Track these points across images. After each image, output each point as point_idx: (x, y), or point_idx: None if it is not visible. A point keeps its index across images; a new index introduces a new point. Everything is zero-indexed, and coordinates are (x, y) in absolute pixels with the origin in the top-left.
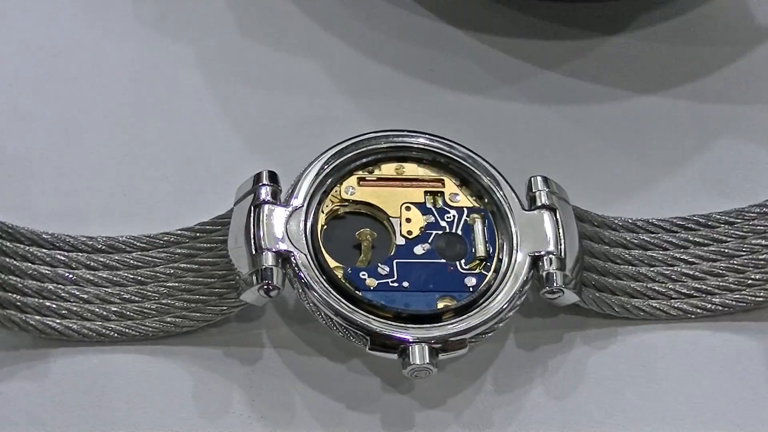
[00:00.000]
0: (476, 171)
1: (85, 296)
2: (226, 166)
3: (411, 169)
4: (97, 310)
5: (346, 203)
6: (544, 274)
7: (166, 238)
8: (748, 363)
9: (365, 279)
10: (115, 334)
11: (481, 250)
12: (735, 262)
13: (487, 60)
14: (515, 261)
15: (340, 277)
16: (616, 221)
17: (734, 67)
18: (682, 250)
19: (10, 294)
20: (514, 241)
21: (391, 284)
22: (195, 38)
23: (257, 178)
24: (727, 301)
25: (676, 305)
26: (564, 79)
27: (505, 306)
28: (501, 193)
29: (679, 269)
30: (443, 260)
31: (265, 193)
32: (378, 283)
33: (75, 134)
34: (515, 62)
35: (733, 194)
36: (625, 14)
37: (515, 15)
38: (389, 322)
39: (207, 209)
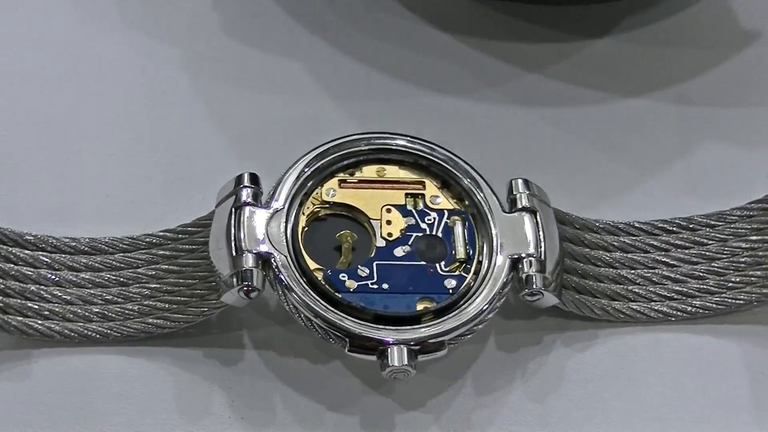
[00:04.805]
0: (457, 173)
1: (68, 297)
2: (209, 168)
3: (392, 172)
4: (79, 311)
5: (327, 205)
6: (524, 276)
7: (148, 240)
8: (728, 366)
9: (345, 281)
10: (97, 335)
11: (461, 253)
12: (716, 264)
13: (470, 62)
14: (495, 263)
15: (320, 278)
16: (597, 224)
17: (717, 71)
18: (663, 252)
19: None
20: (494, 244)
21: (370, 286)
22: (180, 39)
23: (238, 180)
24: (707, 304)
25: (656, 308)
26: (547, 81)
27: (485, 308)
28: (481, 195)
29: (659, 272)
30: (423, 262)
31: (246, 195)
32: (358, 285)
33: (58, 135)
34: (498, 64)
35: (714, 197)
36: (609, 17)
37: (498, 17)
38: (369, 323)
39: (189, 211)
